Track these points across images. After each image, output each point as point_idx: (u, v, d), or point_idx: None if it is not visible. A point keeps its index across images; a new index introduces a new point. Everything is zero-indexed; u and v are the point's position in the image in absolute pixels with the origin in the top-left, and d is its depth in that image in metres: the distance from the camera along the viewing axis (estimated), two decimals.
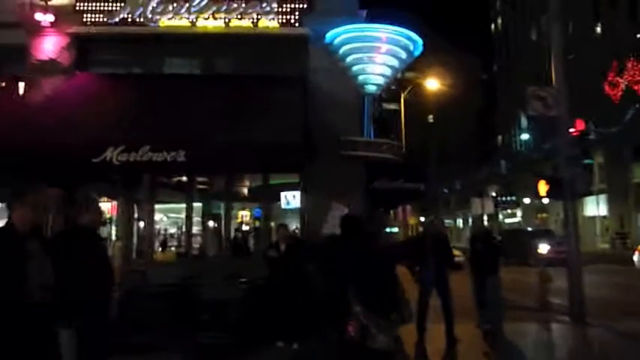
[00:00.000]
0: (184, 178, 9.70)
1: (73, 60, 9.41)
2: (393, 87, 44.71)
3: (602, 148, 31.01)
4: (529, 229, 32.13)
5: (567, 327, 8.83)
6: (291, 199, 12.07)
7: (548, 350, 7.27)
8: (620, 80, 31.66)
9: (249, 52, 9.61)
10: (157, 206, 11.97)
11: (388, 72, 8.71)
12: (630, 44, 31.11)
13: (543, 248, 19.67)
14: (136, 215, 9.57)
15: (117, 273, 8.44)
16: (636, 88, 30.44)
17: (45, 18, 9.27)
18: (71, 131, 6.76)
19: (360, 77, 8.50)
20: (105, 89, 8.62)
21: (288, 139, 6.77)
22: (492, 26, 55.82)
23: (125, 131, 6.54)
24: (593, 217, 35.36)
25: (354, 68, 8.59)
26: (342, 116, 8.71)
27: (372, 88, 8.55)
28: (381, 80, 8.58)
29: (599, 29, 35.17)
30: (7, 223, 3.17)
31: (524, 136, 41.87)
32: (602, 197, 33.49)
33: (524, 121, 39.52)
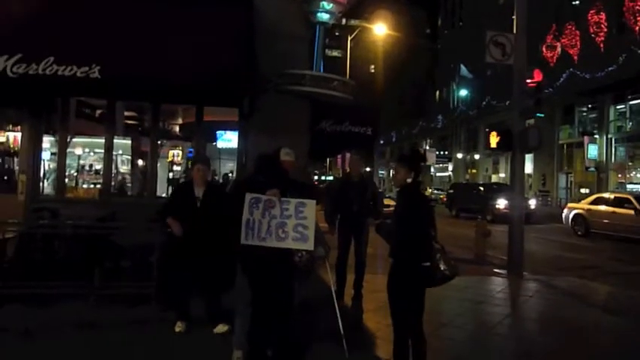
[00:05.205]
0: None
1: None
2: (337, 33, 43.52)
3: None
4: (480, 182, 33.42)
5: (505, 280, 8.85)
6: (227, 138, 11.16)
7: (483, 302, 7.14)
8: (557, 44, 32.36)
9: None
10: (81, 140, 10.78)
11: None
12: (570, 9, 31.68)
13: (501, 204, 19.84)
14: (46, 145, 8.37)
15: (21, 209, 7.46)
16: (571, 52, 31.25)
17: None
18: None
19: (312, 3, 7.54)
20: None
21: (227, 66, 5.84)
22: None
23: (24, 36, 5.27)
24: None
25: None
26: (290, 46, 7.77)
27: (324, 17, 7.61)
28: (334, 8, 7.65)
29: None
30: None
31: (463, 92, 42.44)
32: (529, 156, 34.94)
33: (463, 77, 39.92)
